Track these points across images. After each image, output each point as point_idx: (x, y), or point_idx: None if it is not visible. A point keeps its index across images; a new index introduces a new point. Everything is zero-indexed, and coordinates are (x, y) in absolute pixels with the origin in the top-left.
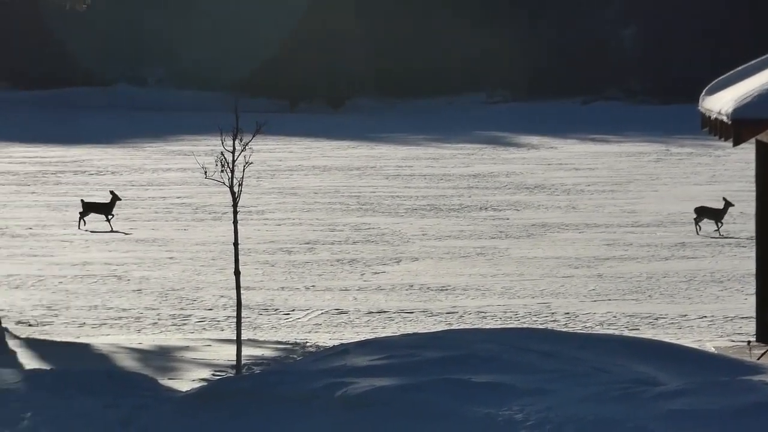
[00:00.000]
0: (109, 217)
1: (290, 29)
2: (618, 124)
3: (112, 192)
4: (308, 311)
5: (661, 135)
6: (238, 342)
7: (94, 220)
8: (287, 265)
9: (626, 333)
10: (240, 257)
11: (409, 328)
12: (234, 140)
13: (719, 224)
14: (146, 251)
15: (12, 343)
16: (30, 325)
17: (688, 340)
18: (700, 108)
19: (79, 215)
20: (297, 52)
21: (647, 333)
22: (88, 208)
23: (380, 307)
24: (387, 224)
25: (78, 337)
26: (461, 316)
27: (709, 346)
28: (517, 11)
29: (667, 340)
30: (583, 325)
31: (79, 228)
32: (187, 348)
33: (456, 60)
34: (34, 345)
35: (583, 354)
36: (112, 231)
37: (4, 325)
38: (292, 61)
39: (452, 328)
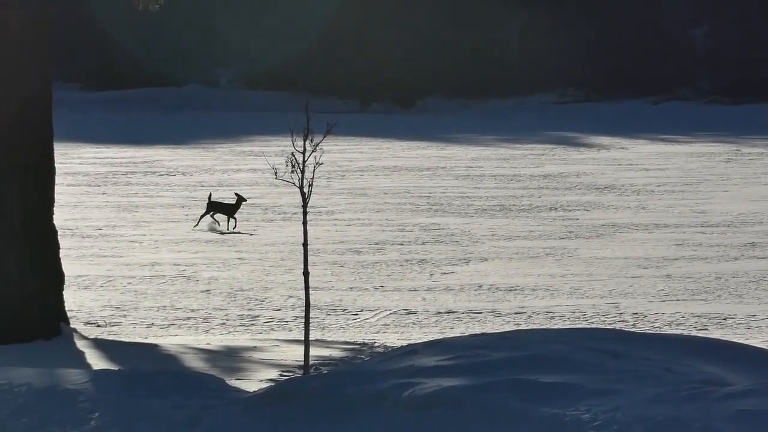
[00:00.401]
0: (233, 218)
1: (361, 30)
2: (688, 124)
3: (237, 194)
4: (377, 311)
5: (731, 135)
6: (306, 342)
7: (161, 220)
8: (356, 265)
9: (694, 333)
10: (309, 258)
11: (478, 329)
12: (305, 141)
13: None
14: (215, 252)
15: (80, 344)
16: (99, 326)
17: (756, 341)
18: None
19: (203, 213)
20: (368, 52)
21: (715, 333)
22: (213, 207)
23: (449, 307)
24: (456, 225)
25: (146, 338)
26: (529, 317)
27: None
28: (588, 11)
29: (735, 340)
30: (652, 325)
31: (195, 227)
32: (255, 348)
33: (526, 61)
34: (102, 345)
35: (651, 354)
36: (235, 232)
37: (73, 326)
38: (364, 61)
39: (520, 328)
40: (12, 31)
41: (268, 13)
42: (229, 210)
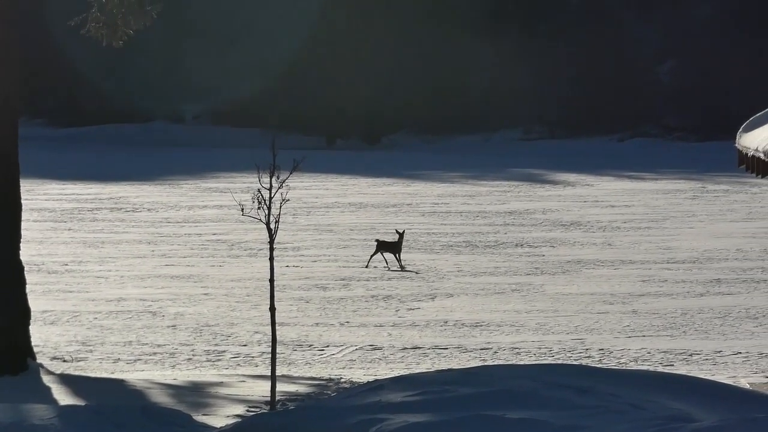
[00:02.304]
0: (398, 255)
1: (328, 67)
2: (654, 160)
3: (396, 230)
4: (342, 347)
5: (697, 172)
6: (273, 378)
7: (127, 256)
8: (322, 301)
9: (661, 369)
10: (275, 293)
11: (444, 364)
12: (271, 177)
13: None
14: (181, 287)
15: (47, 379)
16: (65, 361)
17: (722, 377)
18: (736, 145)
19: (373, 253)
20: (334, 89)
21: (682, 369)
22: (381, 246)
23: (414, 343)
24: (422, 261)
25: (113, 373)
26: (495, 352)
27: (744, 383)
28: (553, 49)
29: (701, 376)
30: (618, 361)
31: (366, 266)
32: (221, 384)
33: (492, 98)
34: (69, 380)
35: (617, 390)
36: (401, 269)
37: (39, 361)
38: (330, 97)
39: (486, 364)
40: None
41: (234, 50)
42: (395, 247)
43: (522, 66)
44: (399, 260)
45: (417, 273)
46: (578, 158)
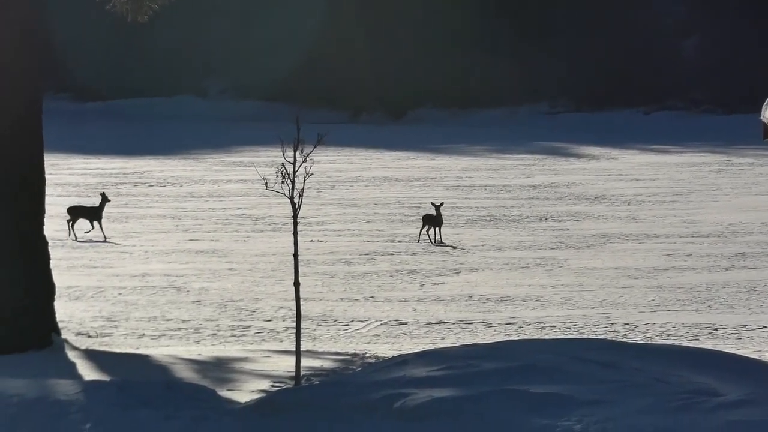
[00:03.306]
0: (439, 229)
1: (352, 40)
2: (680, 134)
3: (433, 204)
4: (367, 322)
5: (722, 145)
6: (297, 353)
7: (151, 231)
8: (347, 276)
9: (686, 343)
10: (300, 268)
11: (468, 339)
12: (295, 151)
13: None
14: (206, 262)
15: (72, 354)
16: (90, 337)
17: (747, 351)
18: (762, 118)
19: (421, 228)
20: (358, 62)
21: (707, 343)
22: (428, 221)
23: (439, 317)
24: (447, 235)
25: (137, 349)
26: (520, 327)
27: None
28: (578, 21)
29: (726, 350)
30: (643, 335)
31: (418, 241)
32: (246, 359)
33: (518, 70)
34: (93, 356)
35: (642, 364)
36: (439, 243)
37: (64, 337)
38: (354, 71)
39: (511, 338)
40: (3, 43)
41: (259, 24)
42: (436, 220)
43: (547, 38)
44: (439, 233)
45: (442, 247)
46: (603, 131)
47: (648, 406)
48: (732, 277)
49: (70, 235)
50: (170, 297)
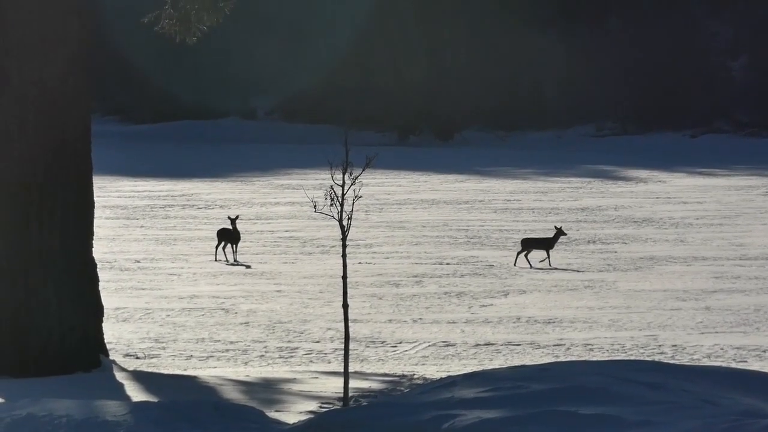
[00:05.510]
0: (548, 252)
1: (400, 62)
2: (726, 156)
3: (556, 226)
4: (415, 344)
5: None
6: (346, 374)
7: (200, 253)
8: (395, 297)
9: (734, 365)
10: (348, 290)
11: (516, 361)
12: (344, 174)
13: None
14: (254, 284)
15: (120, 376)
16: (137, 358)
17: None
18: None
19: (519, 252)
20: (406, 84)
21: (755, 365)
22: (527, 244)
23: (487, 339)
24: (495, 257)
25: (185, 370)
26: (568, 349)
27: None
28: (625, 45)
29: None
30: (691, 357)
31: (515, 264)
32: (293, 380)
33: (565, 94)
34: (141, 377)
35: (690, 386)
36: (550, 265)
37: (112, 358)
38: (402, 93)
39: (559, 360)
40: (55, 64)
41: (306, 45)
42: (547, 244)
43: (594, 62)
44: (548, 256)
45: (490, 269)
46: (650, 154)
47: (696, 428)
48: None
49: (229, 259)
50: (218, 318)
